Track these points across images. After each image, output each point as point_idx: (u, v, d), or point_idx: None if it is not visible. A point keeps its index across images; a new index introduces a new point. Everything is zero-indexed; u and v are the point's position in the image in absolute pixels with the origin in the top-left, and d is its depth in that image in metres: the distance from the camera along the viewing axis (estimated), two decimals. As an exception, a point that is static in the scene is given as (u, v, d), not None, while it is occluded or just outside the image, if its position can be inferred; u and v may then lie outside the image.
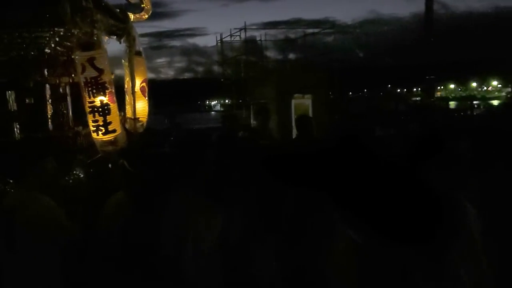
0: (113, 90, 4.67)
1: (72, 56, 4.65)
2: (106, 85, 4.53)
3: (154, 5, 6.66)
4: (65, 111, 5.04)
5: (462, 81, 78.78)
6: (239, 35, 17.00)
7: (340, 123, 5.20)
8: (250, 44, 17.63)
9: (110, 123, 4.62)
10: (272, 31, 55.21)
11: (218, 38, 17.64)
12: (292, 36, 19.82)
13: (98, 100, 4.53)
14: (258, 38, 17.83)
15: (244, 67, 16.64)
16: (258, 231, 2.45)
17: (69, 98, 5.08)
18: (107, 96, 4.55)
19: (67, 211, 3.17)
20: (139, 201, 2.68)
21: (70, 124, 5.08)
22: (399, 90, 75.53)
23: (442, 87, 79.70)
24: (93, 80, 4.47)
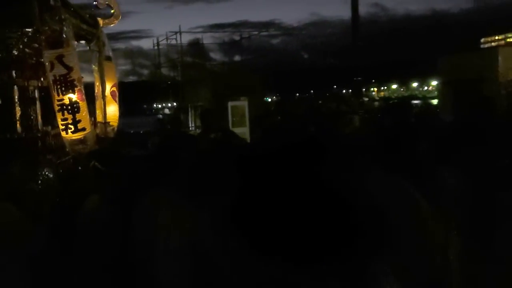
0: (82, 88, 4.65)
1: (43, 56, 4.59)
2: (75, 82, 4.51)
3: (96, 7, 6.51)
4: (33, 114, 4.96)
5: (404, 81, 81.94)
6: (175, 38, 16.86)
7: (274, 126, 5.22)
8: (193, 47, 17.61)
9: (79, 121, 4.60)
10: (217, 34, 55.28)
11: (162, 41, 17.49)
12: (237, 38, 19.94)
13: (67, 98, 4.50)
14: (204, 41, 17.83)
15: (182, 70, 16.58)
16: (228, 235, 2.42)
17: (38, 101, 5.00)
18: (76, 93, 4.54)
19: (36, 216, 3.10)
20: (113, 202, 2.62)
21: (39, 126, 5.00)
22: (344, 91, 77.71)
23: (385, 87, 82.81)
24: (62, 78, 4.44)
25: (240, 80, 12.62)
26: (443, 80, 18.95)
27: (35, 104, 4.97)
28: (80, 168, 4.38)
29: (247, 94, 12.39)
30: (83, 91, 4.67)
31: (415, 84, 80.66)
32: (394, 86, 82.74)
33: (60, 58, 4.41)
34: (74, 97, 4.53)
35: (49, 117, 4.94)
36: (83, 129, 4.64)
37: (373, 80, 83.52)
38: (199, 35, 22.05)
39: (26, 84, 4.84)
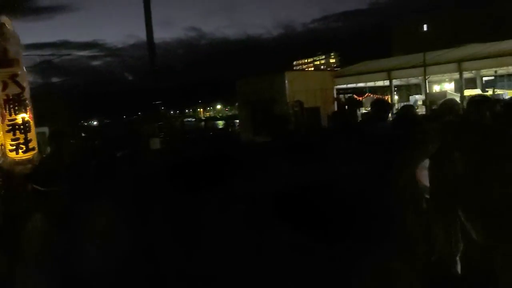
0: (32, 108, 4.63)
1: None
2: (27, 102, 4.49)
3: None
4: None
5: (228, 102, 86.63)
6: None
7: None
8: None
9: (30, 140, 4.57)
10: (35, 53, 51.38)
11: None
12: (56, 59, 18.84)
13: (20, 117, 4.46)
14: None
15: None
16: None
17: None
18: (28, 113, 4.51)
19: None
20: (57, 220, 2.67)
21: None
22: (172, 112, 78.81)
23: (211, 107, 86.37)
24: (16, 97, 4.39)
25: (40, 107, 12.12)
26: (241, 100, 21.31)
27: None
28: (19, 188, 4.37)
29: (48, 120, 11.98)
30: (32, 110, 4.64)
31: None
32: (218, 106, 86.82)
33: (13, 78, 4.37)
34: (26, 116, 4.50)
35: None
36: (33, 149, 4.61)
37: (200, 101, 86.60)
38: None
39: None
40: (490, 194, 3.03)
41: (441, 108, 4.44)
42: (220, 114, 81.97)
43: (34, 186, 2.96)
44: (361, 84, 27.91)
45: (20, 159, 4.55)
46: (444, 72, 23.04)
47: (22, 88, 4.43)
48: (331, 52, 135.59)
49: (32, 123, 4.59)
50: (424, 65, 21.90)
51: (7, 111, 4.40)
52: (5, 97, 4.37)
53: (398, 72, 23.97)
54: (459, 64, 20.47)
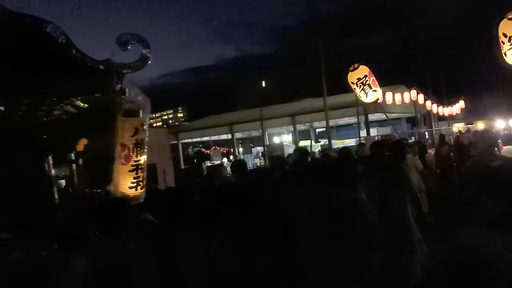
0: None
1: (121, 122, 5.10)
2: (145, 145, 5.29)
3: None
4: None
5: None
6: None
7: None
8: None
9: (144, 178, 5.33)
10: None
11: None
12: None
13: (143, 158, 5.24)
14: None
15: None
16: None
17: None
18: (145, 155, 5.31)
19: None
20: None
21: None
22: None
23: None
24: (142, 141, 5.18)
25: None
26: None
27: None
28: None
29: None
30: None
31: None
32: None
33: (143, 125, 5.19)
34: (144, 158, 5.30)
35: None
36: (145, 186, 5.39)
37: None
38: None
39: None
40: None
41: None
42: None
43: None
44: (206, 138, 29.74)
45: (137, 195, 5.26)
46: (281, 125, 25.89)
47: (146, 133, 5.26)
48: (179, 107, 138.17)
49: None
50: (261, 119, 24.55)
51: (134, 154, 5.15)
52: (134, 142, 5.13)
53: (239, 126, 26.28)
54: (293, 117, 23.26)
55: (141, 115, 5.22)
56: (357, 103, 18.07)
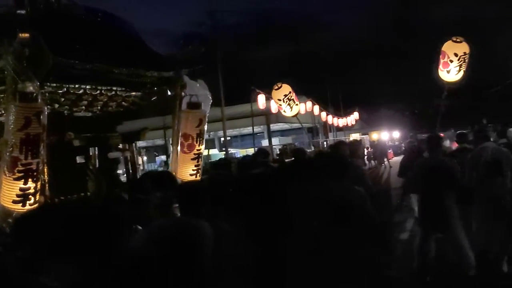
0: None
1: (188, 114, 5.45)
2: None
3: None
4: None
5: None
6: None
7: None
8: None
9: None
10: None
11: None
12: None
13: (202, 148, 5.64)
14: None
15: None
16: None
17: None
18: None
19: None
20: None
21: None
22: None
23: None
24: (203, 131, 5.60)
25: None
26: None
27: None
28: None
29: None
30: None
31: None
32: None
33: (205, 117, 5.62)
34: (203, 147, 5.71)
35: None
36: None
37: None
38: None
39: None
40: None
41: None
42: None
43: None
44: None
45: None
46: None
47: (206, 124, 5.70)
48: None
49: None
50: (164, 127, 24.64)
51: (197, 143, 5.54)
52: (198, 132, 5.53)
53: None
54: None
55: (203, 107, 5.64)
56: (253, 113, 19.10)
